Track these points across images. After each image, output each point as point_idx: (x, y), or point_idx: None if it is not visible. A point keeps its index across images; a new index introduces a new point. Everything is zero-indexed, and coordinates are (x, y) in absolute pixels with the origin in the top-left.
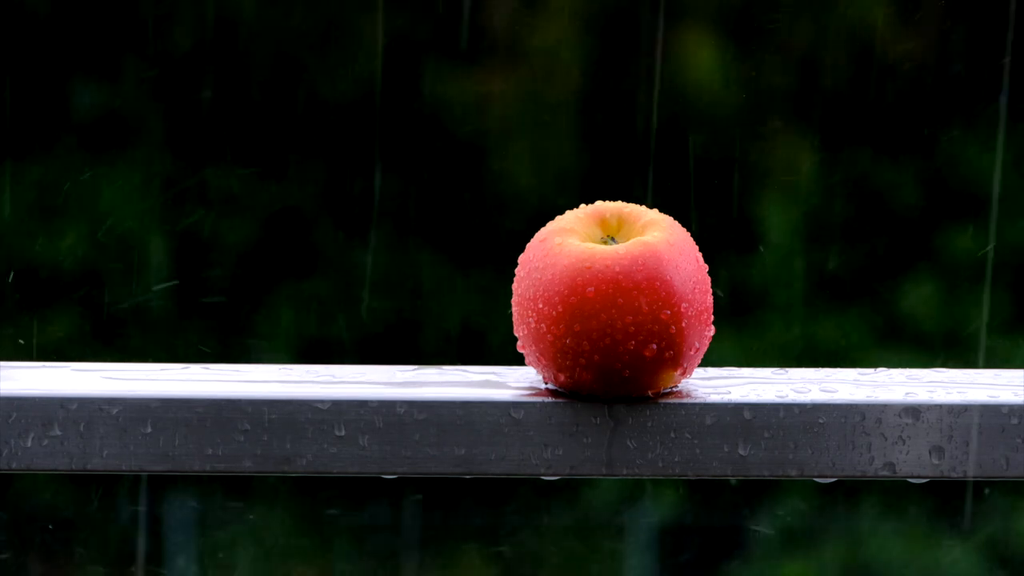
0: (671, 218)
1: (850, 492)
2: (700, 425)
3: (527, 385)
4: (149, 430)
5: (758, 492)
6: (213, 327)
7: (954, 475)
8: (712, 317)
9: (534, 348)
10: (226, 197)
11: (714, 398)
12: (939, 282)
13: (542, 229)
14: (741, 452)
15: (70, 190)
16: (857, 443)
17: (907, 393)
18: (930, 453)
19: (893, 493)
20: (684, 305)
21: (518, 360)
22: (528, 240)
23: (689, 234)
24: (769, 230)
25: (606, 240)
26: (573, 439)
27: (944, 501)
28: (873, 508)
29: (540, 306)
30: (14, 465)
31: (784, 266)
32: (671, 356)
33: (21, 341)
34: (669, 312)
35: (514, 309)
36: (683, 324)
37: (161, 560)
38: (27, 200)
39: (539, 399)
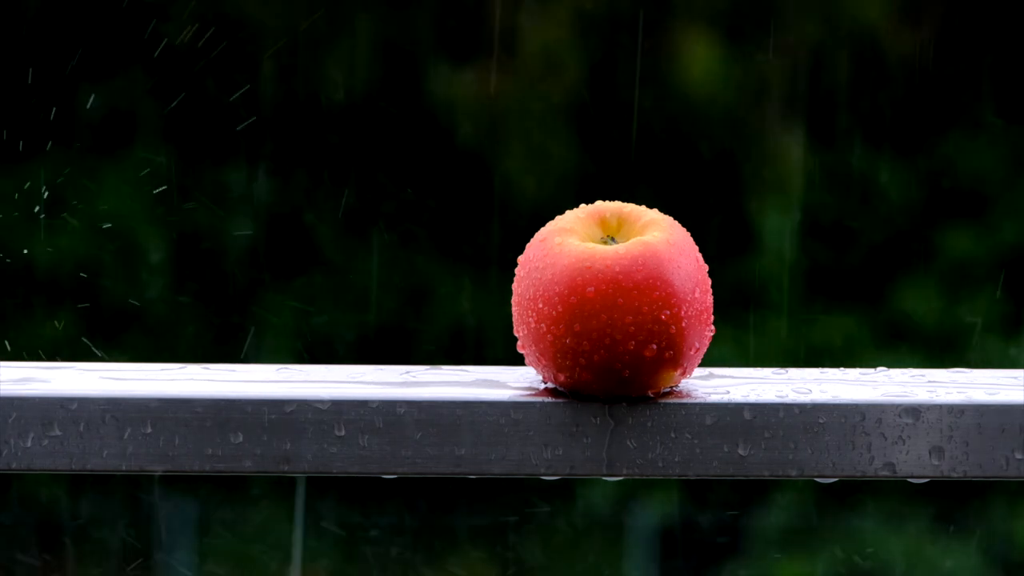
0: (671, 218)
1: (850, 492)
2: (700, 425)
3: (527, 385)
4: (149, 430)
5: (757, 492)
6: (212, 326)
7: (954, 475)
8: (712, 317)
9: (534, 348)
10: (226, 196)
11: (714, 398)
12: (939, 282)
13: (542, 229)
14: (741, 452)
15: (69, 189)
16: (857, 443)
17: (907, 393)
18: (930, 453)
19: (893, 493)
20: (684, 305)
21: (518, 360)
22: (528, 240)
23: (689, 234)
24: (769, 230)
25: (606, 240)
26: (573, 439)
27: (944, 501)
28: (873, 508)
29: (540, 306)
30: (14, 465)
31: (784, 266)
32: (671, 356)
33: (19, 341)
34: (669, 312)
35: (514, 309)
36: (683, 324)
37: (160, 560)
38: (26, 199)
39: (539, 399)
